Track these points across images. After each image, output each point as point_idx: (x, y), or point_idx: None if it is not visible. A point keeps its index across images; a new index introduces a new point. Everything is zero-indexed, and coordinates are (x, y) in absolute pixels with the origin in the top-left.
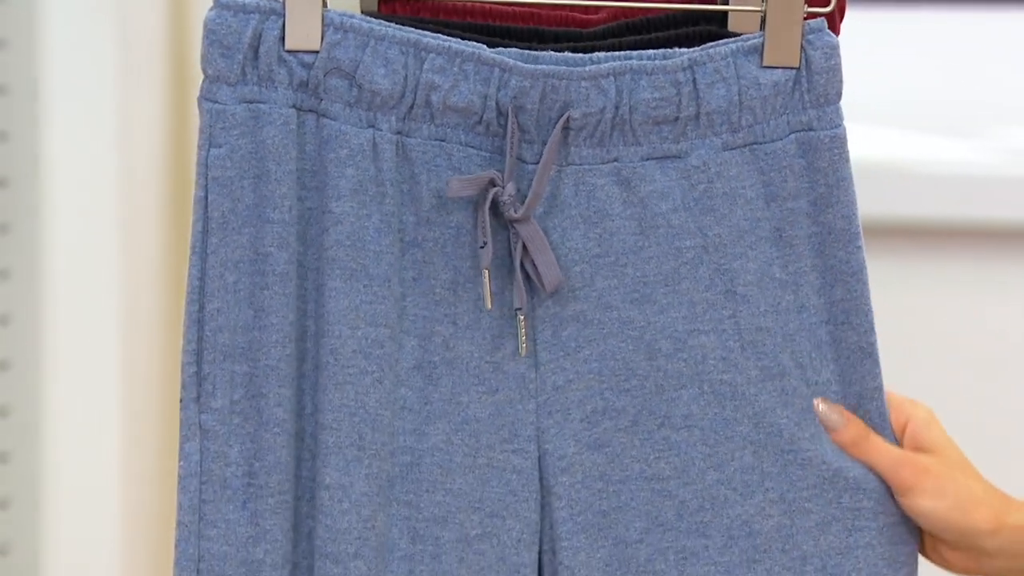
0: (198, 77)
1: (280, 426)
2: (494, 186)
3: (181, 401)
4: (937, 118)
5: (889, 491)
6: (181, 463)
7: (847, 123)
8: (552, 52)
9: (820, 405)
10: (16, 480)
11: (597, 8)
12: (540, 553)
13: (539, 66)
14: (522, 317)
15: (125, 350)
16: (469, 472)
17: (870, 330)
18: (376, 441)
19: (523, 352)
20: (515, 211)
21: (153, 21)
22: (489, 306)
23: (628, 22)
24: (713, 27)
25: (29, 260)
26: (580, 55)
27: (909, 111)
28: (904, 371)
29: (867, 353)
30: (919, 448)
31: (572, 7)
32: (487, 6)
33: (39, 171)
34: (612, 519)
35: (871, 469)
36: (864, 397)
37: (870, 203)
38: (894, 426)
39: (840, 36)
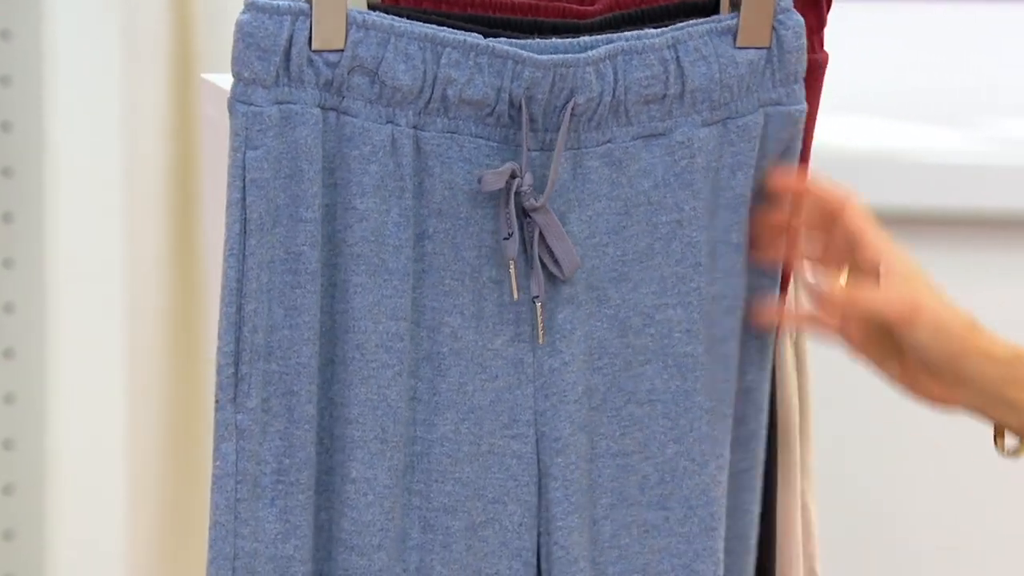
0: (201, 67)
1: (310, 423)
2: (514, 177)
3: (217, 402)
4: (929, 108)
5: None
6: (217, 463)
7: (840, 113)
8: (542, 40)
9: (807, 275)
10: (21, 467)
11: None
12: (537, 535)
13: (550, 56)
14: (539, 304)
15: (129, 338)
16: (474, 460)
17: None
18: (396, 433)
19: (542, 340)
20: (535, 200)
21: (157, 11)
22: (516, 296)
23: (624, 13)
24: (705, 18)
25: (33, 249)
26: (571, 40)
27: (901, 101)
28: None
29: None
30: (897, 276)
31: None
32: None
33: (43, 161)
34: (588, 497)
35: (869, 317)
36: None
37: (862, 193)
38: (870, 263)
39: (827, 25)
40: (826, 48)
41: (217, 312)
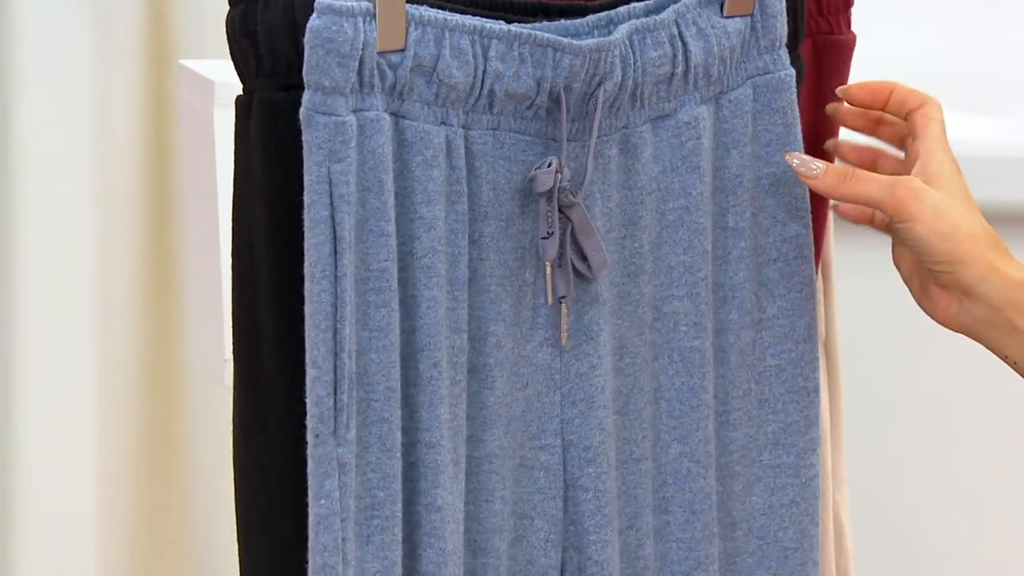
0: (175, 58)
1: (399, 451)
2: (557, 173)
3: (317, 436)
4: (961, 96)
5: (810, 446)
6: (321, 502)
7: None
8: (549, 22)
9: (794, 159)
10: None
11: None
12: (562, 550)
13: (585, 41)
14: (565, 305)
15: (100, 339)
16: (511, 475)
17: (814, 263)
18: (462, 454)
19: (565, 342)
20: (574, 196)
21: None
22: (550, 302)
23: None
24: None
25: (1, 245)
26: (579, 20)
27: (934, 87)
28: (921, 357)
29: (816, 287)
30: (926, 174)
31: None
32: None
33: (10, 155)
34: (616, 507)
35: (865, 203)
36: (812, 329)
37: None
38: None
39: (854, 5)
40: (854, 29)
41: (195, 312)
